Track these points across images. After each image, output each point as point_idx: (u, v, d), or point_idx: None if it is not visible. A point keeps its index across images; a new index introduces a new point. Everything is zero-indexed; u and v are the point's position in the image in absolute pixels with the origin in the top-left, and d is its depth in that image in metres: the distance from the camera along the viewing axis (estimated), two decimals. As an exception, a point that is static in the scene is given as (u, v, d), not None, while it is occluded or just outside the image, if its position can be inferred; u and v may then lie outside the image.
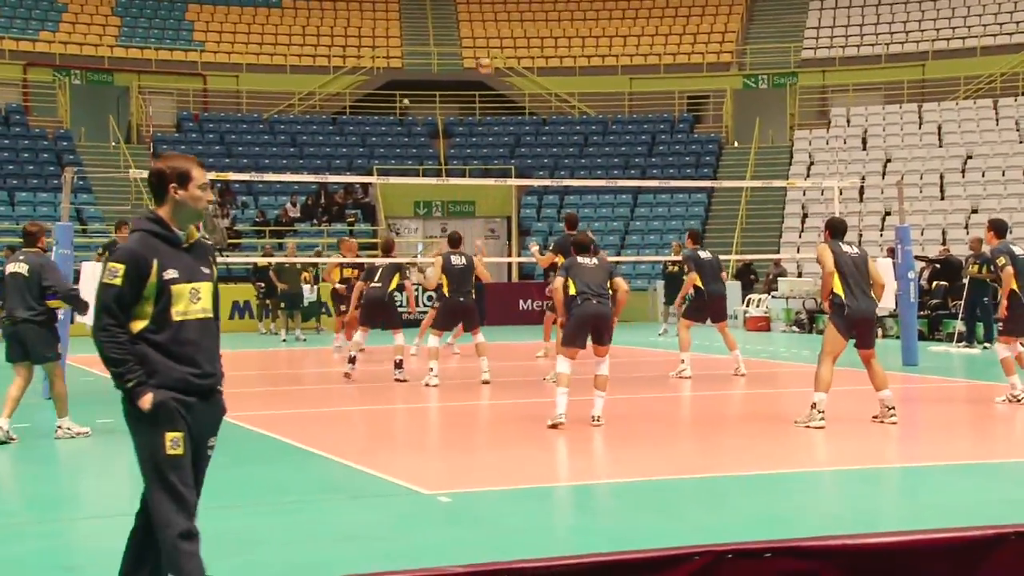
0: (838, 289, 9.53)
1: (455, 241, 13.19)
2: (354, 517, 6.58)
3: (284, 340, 20.56)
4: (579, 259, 9.79)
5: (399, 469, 7.84)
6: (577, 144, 31.94)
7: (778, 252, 25.88)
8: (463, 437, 9.89)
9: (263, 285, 21.34)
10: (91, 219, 26.39)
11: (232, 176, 21.31)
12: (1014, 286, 11.06)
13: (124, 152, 28.39)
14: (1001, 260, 11.15)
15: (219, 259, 23.34)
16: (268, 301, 21.52)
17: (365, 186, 28.77)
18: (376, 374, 14.10)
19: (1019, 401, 10.96)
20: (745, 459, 8.39)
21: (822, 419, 9.49)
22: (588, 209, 29.61)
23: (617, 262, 26.01)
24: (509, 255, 26.83)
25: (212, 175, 20.56)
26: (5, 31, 31.08)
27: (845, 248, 9.76)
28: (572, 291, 9.56)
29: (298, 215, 28.11)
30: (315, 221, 28.09)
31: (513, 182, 24.84)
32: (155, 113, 30.93)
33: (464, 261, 12.83)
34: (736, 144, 31.97)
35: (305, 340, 20.54)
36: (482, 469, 8.19)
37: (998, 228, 11.33)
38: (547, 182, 27.06)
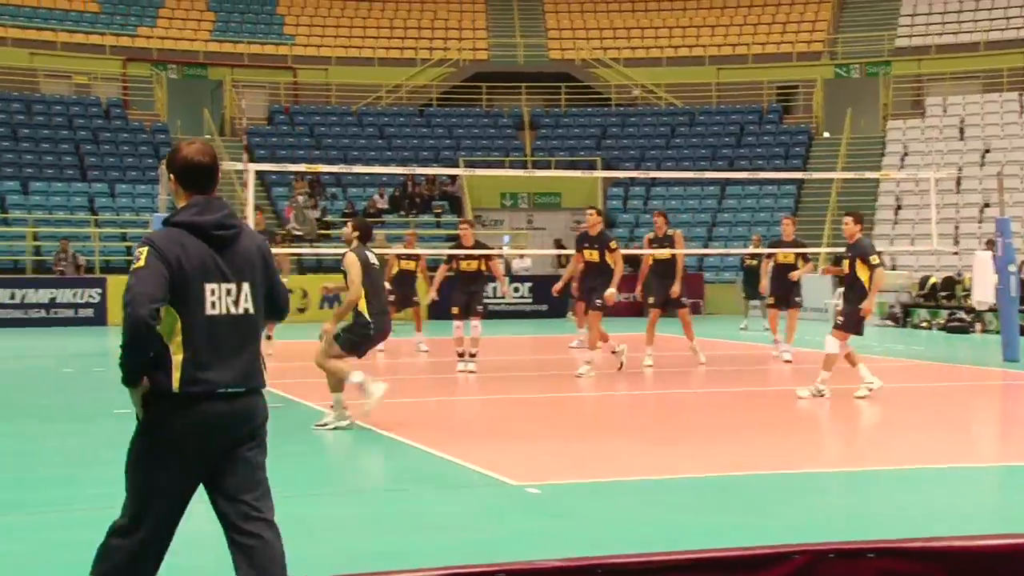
0: None
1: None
2: (440, 507, 6.58)
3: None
4: None
5: (487, 459, 7.80)
6: (664, 135, 31.66)
7: (870, 245, 25.32)
8: (550, 428, 9.86)
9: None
10: (185, 210, 26.97)
11: (322, 168, 21.59)
12: None
13: (218, 144, 28.95)
14: None
15: (309, 249, 23.08)
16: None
17: (452, 177, 28.92)
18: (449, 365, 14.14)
19: None
20: (831, 455, 8.23)
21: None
22: (675, 201, 29.34)
23: (704, 255, 25.86)
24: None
25: (302, 167, 20.99)
26: (106, 27, 31.94)
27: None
28: None
29: (386, 206, 28.38)
30: (402, 212, 28.34)
31: (599, 174, 24.74)
32: (247, 106, 31.52)
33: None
34: (826, 135, 31.36)
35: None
36: (571, 461, 8.13)
37: None
38: (633, 174, 26.86)
